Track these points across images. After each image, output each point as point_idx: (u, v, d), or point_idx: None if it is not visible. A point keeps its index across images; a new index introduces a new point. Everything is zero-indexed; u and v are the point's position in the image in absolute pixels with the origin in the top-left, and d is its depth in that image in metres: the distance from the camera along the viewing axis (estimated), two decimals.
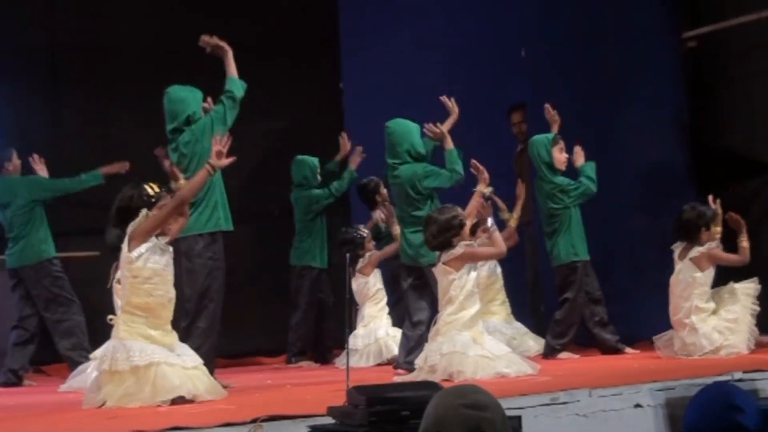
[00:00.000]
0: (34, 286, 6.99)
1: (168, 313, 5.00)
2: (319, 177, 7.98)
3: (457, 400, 2.21)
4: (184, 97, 5.87)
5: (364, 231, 7.71)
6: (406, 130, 6.35)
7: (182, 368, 4.87)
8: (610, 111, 7.96)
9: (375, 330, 7.46)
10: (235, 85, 5.95)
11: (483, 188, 6.11)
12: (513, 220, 7.49)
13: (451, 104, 6.52)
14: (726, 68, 8.11)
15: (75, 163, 7.70)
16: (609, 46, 8.01)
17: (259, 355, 8.43)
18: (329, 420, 3.68)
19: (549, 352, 6.88)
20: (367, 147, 8.18)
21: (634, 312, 7.58)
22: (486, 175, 6.09)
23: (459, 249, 5.75)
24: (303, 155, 8.04)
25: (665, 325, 7.16)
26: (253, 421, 3.78)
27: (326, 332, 7.89)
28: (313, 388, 5.58)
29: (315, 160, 8.00)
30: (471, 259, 5.81)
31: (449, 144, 6.30)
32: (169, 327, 5.01)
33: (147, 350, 4.83)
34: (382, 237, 7.87)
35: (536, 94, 8.10)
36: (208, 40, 5.95)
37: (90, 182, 7.15)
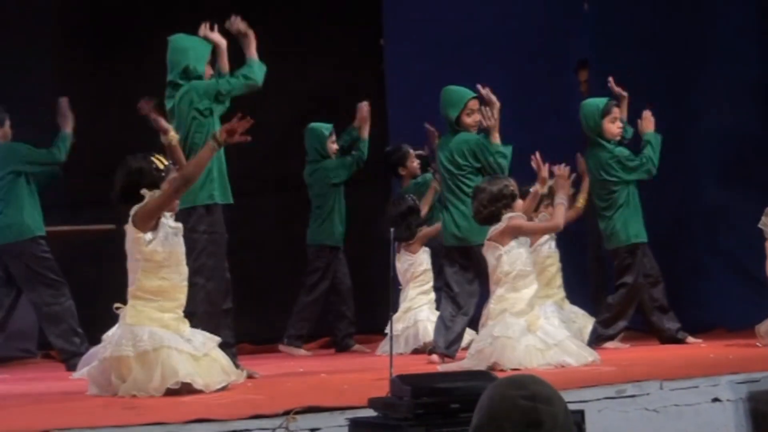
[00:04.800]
0: (14, 265, 6.85)
1: (182, 295, 5.04)
2: (334, 145, 7.90)
3: (515, 392, 2.19)
4: (186, 47, 5.87)
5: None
6: (451, 98, 6.38)
7: (191, 356, 4.88)
8: (683, 71, 7.86)
9: (416, 313, 7.46)
10: (257, 70, 5.88)
11: (539, 188, 6.05)
12: (581, 198, 7.37)
13: (486, 93, 6.40)
14: None
15: (82, 128, 7.73)
16: None
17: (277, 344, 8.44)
18: (370, 412, 3.67)
19: (594, 340, 6.77)
20: (410, 109, 8.14)
21: (707, 295, 7.51)
22: (545, 173, 6.03)
23: (503, 222, 5.76)
24: (316, 123, 7.93)
25: (743, 309, 7.09)
26: (286, 413, 3.79)
27: (345, 317, 7.87)
28: (350, 376, 5.58)
29: (323, 128, 7.88)
30: (517, 232, 5.80)
31: (495, 138, 6.29)
32: (181, 311, 5.03)
33: (156, 334, 4.87)
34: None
35: (599, 52, 8.05)
36: (236, 24, 5.94)
37: (64, 148, 6.87)
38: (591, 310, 7.46)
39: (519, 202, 5.88)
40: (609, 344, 6.78)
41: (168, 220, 5.04)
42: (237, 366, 5.38)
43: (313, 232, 7.90)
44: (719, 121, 7.82)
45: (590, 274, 7.98)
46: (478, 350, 5.65)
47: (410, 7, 8.83)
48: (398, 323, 7.38)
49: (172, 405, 4.48)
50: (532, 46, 8.29)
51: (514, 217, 5.81)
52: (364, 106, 7.87)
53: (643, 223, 6.87)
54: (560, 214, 5.94)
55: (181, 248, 5.06)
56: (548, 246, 7.15)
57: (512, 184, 5.86)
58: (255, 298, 7.93)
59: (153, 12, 8.52)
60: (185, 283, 5.06)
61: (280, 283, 8.67)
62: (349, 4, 9.12)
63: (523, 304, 5.70)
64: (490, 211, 5.81)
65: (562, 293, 7.39)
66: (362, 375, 5.55)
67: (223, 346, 5.17)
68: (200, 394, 4.77)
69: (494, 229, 5.82)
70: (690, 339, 6.88)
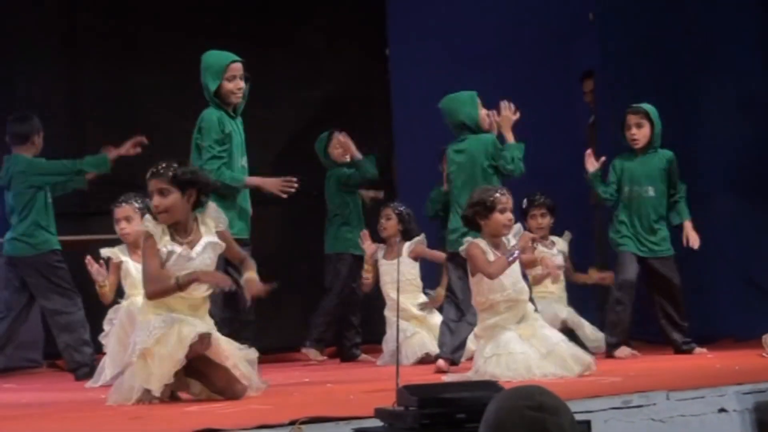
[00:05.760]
0: (29, 275, 6.92)
1: (187, 304, 5.02)
2: (337, 150, 7.87)
3: (521, 402, 2.20)
4: (204, 66, 5.91)
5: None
6: (457, 103, 6.40)
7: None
8: (689, 82, 7.86)
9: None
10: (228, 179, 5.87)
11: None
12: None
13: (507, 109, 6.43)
14: None
15: (94, 137, 7.76)
16: (688, 8, 7.90)
17: (295, 350, 8.45)
18: (376, 422, 3.68)
19: (606, 351, 6.83)
20: (416, 120, 8.15)
21: (714, 305, 7.50)
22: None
23: (464, 244, 5.71)
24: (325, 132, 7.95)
25: (750, 320, 7.10)
26: (292, 422, 3.79)
27: (352, 327, 7.88)
28: (356, 386, 5.58)
29: (321, 139, 7.88)
30: (470, 260, 5.69)
31: (510, 136, 6.35)
32: (198, 312, 5.02)
33: (169, 316, 4.88)
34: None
35: (605, 62, 8.06)
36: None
37: (88, 162, 6.93)
38: (598, 322, 7.46)
39: (496, 216, 5.68)
40: (619, 352, 6.79)
41: (179, 249, 4.98)
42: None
43: (332, 239, 7.89)
44: (725, 130, 7.81)
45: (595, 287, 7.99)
46: (476, 370, 5.62)
47: (416, 17, 8.85)
48: (390, 342, 7.37)
49: (177, 415, 4.49)
50: (537, 56, 8.31)
51: (473, 244, 5.68)
52: (338, 137, 7.80)
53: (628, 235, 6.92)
54: (498, 265, 5.61)
55: (203, 268, 5.00)
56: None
57: (497, 197, 5.69)
58: (261, 308, 7.92)
59: (165, 23, 8.55)
60: (198, 300, 5.05)
61: (287, 294, 8.65)
62: (355, 14, 9.13)
63: (510, 323, 5.64)
64: (467, 214, 5.79)
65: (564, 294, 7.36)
66: (368, 385, 5.55)
67: None
68: (206, 404, 4.78)
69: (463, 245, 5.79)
70: (697, 349, 6.88)
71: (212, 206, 5.12)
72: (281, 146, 8.74)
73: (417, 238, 7.54)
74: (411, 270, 7.52)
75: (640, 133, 6.90)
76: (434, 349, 6.92)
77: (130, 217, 6.37)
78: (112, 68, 8.51)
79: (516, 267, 5.72)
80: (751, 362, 6.01)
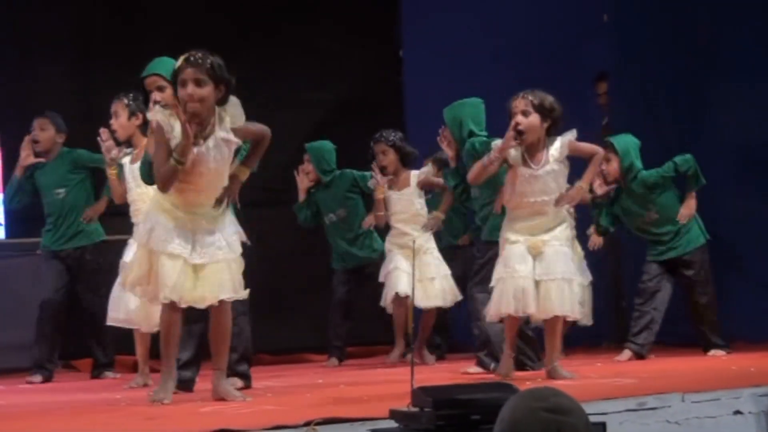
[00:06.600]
0: (83, 267, 7.26)
1: (201, 198, 4.81)
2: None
3: (536, 404, 2.21)
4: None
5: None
6: (459, 112, 6.42)
7: (185, 263, 4.75)
8: (703, 83, 7.84)
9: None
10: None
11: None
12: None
13: None
14: None
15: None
16: (702, 8, 7.89)
17: (306, 351, 8.48)
18: (391, 423, 3.69)
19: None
20: (429, 122, 8.14)
21: (728, 308, 7.48)
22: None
23: None
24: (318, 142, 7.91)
25: (765, 322, 7.09)
26: (307, 423, 3.80)
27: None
28: (369, 388, 5.59)
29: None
30: None
31: None
32: (205, 209, 4.81)
33: (155, 232, 4.75)
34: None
35: (620, 63, 8.05)
36: None
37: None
38: (611, 328, 7.47)
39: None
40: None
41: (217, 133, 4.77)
42: (248, 377, 5.60)
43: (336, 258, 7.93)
44: (739, 132, 7.80)
45: (610, 283, 8.00)
46: (496, 299, 5.59)
47: (429, 18, 8.85)
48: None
49: (192, 416, 4.51)
50: (550, 58, 8.30)
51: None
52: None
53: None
54: (473, 170, 5.74)
55: (215, 164, 4.76)
56: None
57: (509, 104, 5.74)
58: (271, 308, 7.95)
59: (175, 23, 8.57)
60: (204, 191, 4.83)
61: (298, 293, 8.68)
62: (368, 16, 9.14)
63: (525, 233, 5.57)
64: None
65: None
66: (383, 386, 5.56)
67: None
68: (221, 404, 4.80)
69: None
70: (711, 351, 6.89)
71: (233, 101, 4.83)
72: (292, 148, 8.75)
73: (424, 168, 7.40)
74: (418, 200, 7.40)
75: (609, 168, 6.91)
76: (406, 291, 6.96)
77: (117, 113, 6.24)
78: (122, 66, 8.53)
79: (544, 182, 5.64)
80: (767, 364, 6.00)
